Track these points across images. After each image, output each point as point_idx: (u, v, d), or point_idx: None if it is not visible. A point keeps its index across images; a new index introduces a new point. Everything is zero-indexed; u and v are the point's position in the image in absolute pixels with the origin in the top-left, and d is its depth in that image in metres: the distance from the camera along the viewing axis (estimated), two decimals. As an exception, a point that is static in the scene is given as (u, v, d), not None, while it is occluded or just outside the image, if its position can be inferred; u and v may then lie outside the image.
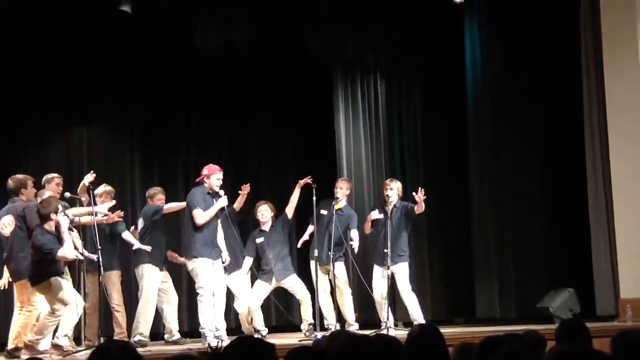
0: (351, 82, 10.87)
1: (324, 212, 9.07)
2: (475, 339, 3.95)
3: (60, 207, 7.45)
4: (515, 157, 10.81)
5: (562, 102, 10.56)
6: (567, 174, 10.58)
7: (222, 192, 8.18)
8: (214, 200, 8.21)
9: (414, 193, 8.79)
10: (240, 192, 8.79)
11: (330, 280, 9.05)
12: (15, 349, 7.41)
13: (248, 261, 9.08)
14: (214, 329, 8.10)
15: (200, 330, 8.22)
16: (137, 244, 8.55)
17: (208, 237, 8.19)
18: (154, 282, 8.67)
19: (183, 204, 8.49)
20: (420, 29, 10.75)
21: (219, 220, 8.33)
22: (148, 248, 8.53)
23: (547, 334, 4.48)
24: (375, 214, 9.05)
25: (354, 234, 9.04)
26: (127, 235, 8.60)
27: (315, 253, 8.77)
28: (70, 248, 7.41)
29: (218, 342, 7.40)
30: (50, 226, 7.37)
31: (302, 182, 8.91)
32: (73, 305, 7.43)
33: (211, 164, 8.37)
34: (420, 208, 8.84)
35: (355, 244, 8.96)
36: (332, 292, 9.05)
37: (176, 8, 9.25)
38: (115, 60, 9.68)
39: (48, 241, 7.31)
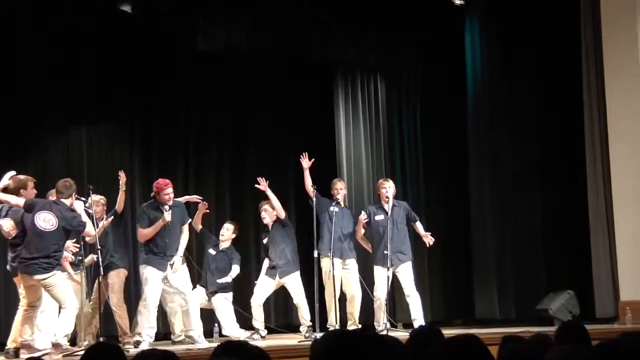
0: (352, 84, 10.87)
1: (335, 209, 9.06)
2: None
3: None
4: (515, 158, 10.81)
5: (563, 104, 10.54)
6: (567, 176, 10.57)
7: (166, 207, 8.31)
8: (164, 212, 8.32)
9: (425, 238, 9.02)
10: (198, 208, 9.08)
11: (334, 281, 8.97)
12: (15, 350, 7.36)
13: (265, 262, 9.34)
14: (152, 336, 8.22)
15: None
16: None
17: (155, 247, 8.31)
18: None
19: None
20: (421, 30, 10.73)
21: (170, 229, 8.34)
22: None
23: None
24: (364, 217, 9.05)
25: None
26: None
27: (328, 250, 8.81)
28: (91, 226, 7.60)
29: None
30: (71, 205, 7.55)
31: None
32: (71, 307, 7.39)
33: (159, 180, 8.49)
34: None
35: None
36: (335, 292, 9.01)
37: (177, 9, 9.25)
38: (115, 60, 9.68)
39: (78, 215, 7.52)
